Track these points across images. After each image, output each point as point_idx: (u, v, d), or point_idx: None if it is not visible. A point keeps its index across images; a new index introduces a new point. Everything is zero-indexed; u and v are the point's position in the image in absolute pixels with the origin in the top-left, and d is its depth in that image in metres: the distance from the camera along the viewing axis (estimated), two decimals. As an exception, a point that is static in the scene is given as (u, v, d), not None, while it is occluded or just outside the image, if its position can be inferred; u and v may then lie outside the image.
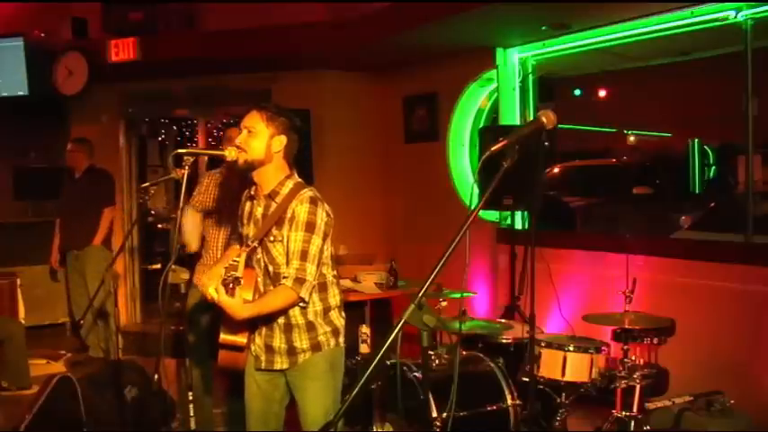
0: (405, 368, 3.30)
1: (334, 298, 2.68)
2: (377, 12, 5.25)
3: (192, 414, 2.75)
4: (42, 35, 6.25)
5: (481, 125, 6.03)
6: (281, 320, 2.59)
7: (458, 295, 3.89)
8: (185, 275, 3.17)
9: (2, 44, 6.14)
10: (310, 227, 2.48)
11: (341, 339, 2.70)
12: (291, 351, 2.61)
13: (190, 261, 3.85)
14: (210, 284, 2.33)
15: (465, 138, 6.06)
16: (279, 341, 2.61)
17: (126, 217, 6.92)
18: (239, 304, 2.31)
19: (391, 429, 2.70)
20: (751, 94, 4.08)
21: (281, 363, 2.63)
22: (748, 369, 3.84)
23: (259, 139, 2.52)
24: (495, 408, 3.39)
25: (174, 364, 4.55)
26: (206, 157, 6.12)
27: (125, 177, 7.01)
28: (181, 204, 2.65)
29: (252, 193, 2.66)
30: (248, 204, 2.68)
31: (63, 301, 6.85)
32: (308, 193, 2.54)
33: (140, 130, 7.52)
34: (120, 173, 6.97)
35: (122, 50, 5.97)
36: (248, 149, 2.51)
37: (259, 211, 2.61)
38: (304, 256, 2.47)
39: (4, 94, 6.24)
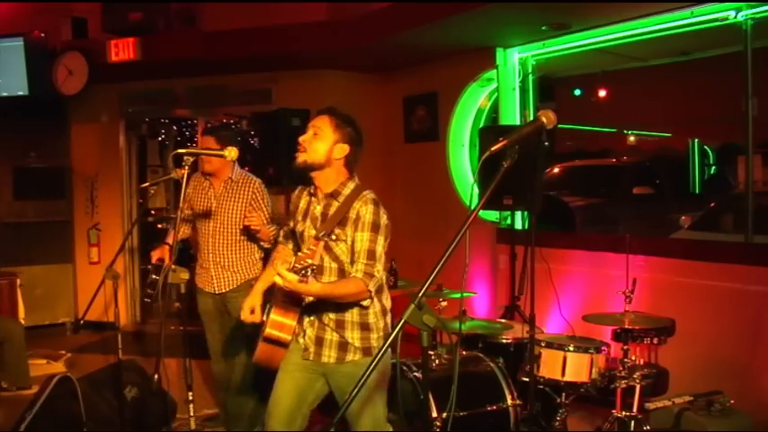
0: (405, 368, 3.30)
1: (387, 300, 2.71)
2: (377, 12, 5.25)
3: (191, 414, 2.75)
4: (42, 35, 6.25)
5: (481, 125, 6.02)
6: (335, 316, 2.58)
7: (458, 295, 3.88)
8: (185, 275, 3.16)
9: (2, 44, 6.14)
10: (375, 227, 2.52)
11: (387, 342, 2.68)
12: (342, 346, 2.60)
13: (189, 261, 3.85)
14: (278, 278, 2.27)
15: (465, 138, 6.06)
16: (331, 334, 2.61)
17: (126, 217, 6.93)
18: (312, 282, 2.29)
19: (391, 429, 2.70)
20: (751, 94, 4.08)
21: (328, 356, 2.61)
22: (748, 369, 3.84)
23: (323, 143, 2.56)
24: (495, 408, 3.38)
25: (174, 364, 4.55)
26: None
27: (125, 177, 7.02)
28: (180, 205, 2.65)
29: (311, 191, 2.67)
30: (304, 201, 2.70)
31: (63, 302, 6.87)
32: (370, 194, 2.58)
33: (140, 130, 7.53)
34: (120, 173, 6.99)
35: (122, 50, 5.97)
36: (310, 150, 2.55)
37: (318, 209, 2.63)
38: (371, 255, 2.49)
39: (4, 94, 6.24)
